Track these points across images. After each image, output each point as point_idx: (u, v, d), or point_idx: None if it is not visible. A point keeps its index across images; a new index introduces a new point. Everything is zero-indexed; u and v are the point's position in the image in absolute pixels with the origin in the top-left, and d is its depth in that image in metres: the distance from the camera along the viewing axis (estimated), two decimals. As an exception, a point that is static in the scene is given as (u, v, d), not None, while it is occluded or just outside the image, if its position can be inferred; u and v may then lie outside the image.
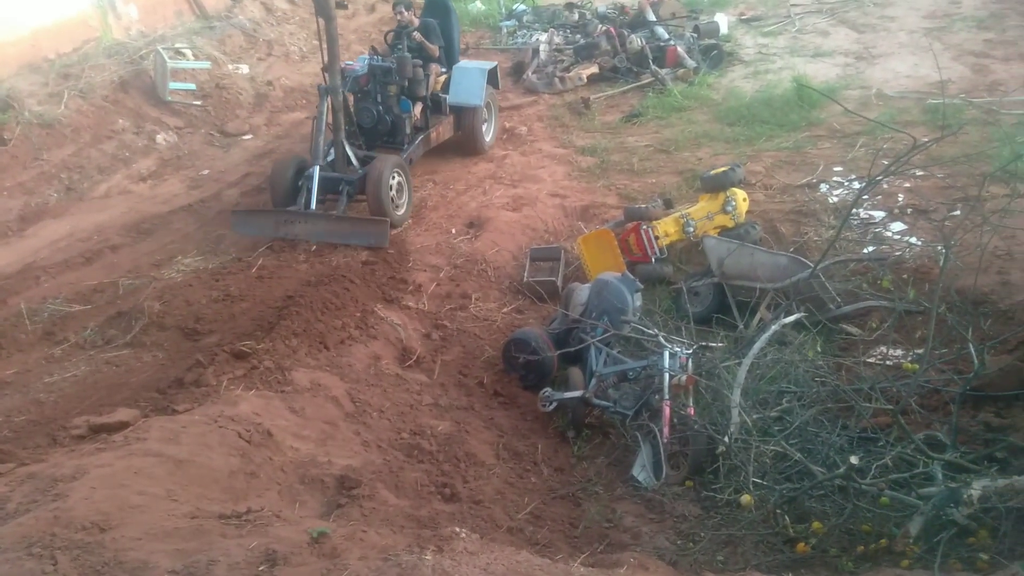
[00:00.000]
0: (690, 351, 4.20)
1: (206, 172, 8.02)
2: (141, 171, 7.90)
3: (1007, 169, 5.67)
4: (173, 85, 9.02)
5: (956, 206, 5.64)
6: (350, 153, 6.55)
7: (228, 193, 7.48)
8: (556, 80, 9.81)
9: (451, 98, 7.56)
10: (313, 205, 6.14)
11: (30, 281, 5.76)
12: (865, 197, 5.80)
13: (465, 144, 7.95)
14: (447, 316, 5.45)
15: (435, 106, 7.56)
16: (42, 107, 7.99)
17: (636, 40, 10.11)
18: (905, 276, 4.70)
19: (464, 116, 7.72)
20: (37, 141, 7.60)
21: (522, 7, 12.50)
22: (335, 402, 4.03)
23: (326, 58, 6.33)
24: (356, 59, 7.17)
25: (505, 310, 5.66)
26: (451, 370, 4.92)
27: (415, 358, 4.87)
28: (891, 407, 3.30)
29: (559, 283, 5.81)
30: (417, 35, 7.33)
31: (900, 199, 5.93)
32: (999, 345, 3.85)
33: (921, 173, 6.08)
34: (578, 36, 11.07)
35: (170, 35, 10.31)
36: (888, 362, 4.27)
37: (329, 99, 6.39)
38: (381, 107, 6.99)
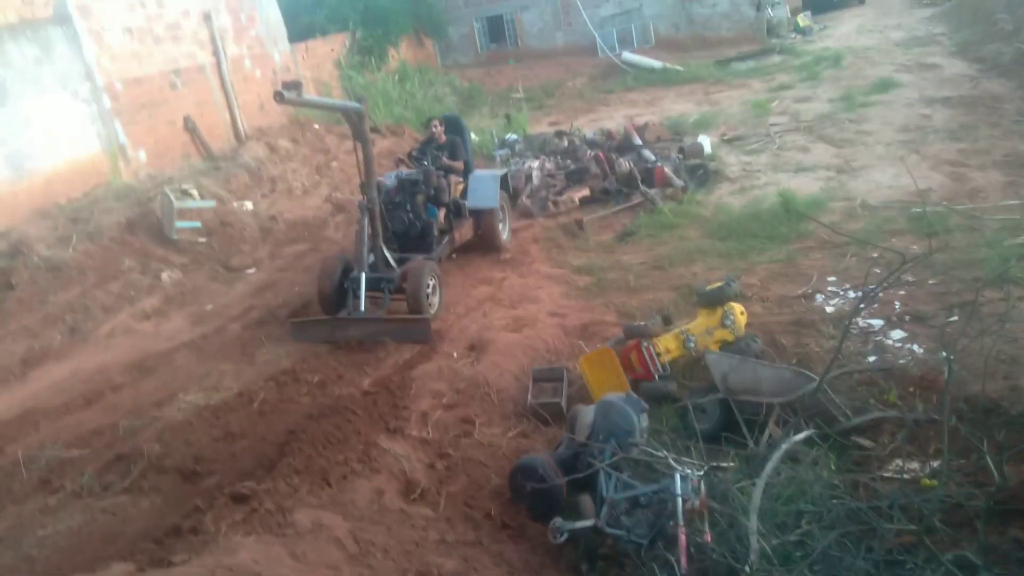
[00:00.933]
0: (701, 472, 4.10)
1: (209, 307, 8.13)
2: (145, 309, 8.00)
3: (1000, 273, 5.78)
4: (179, 224, 9.32)
5: (953, 312, 5.68)
6: (388, 256, 7.35)
7: (231, 327, 7.55)
8: (550, 204, 10.16)
9: (470, 202, 8.59)
10: (363, 307, 6.85)
11: (29, 427, 5.70)
12: (862, 306, 5.85)
13: (485, 242, 8.89)
14: (451, 444, 5.34)
15: (457, 210, 8.50)
16: (51, 251, 8.22)
17: (624, 163, 10.55)
18: (911, 389, 4.67)
19: (483, 217, 8.70)
20: (44, 284, 7.75)
21: (513, 136, 13.13)
22: (338, 543, 3.88)
23: (363, 175, 7.13)
24: (385, 175, 8.15)
25: (510, 435, 5.55)
26: (457, 502, 4.77)
27: (419, 491, 4.73)
28: (915, 527, 3.18)
29: (563, 404, 5.74)
30: (445, 159, 8.46)
31: (897, 307, 5.98)
32: (1018, 455, 3.76)
33: (914, 280, 6.16)
34: (568, 162, 11.57)
35: (178, 176, 10.77)
36: (905, 476, 4.15)
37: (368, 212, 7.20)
38: (411, 214, 7.86)
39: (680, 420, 5.41)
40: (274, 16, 15.01)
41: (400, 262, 7.42)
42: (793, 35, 22.69)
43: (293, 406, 5.59)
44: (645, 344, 5.82)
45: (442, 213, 8.18)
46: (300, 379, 6.09)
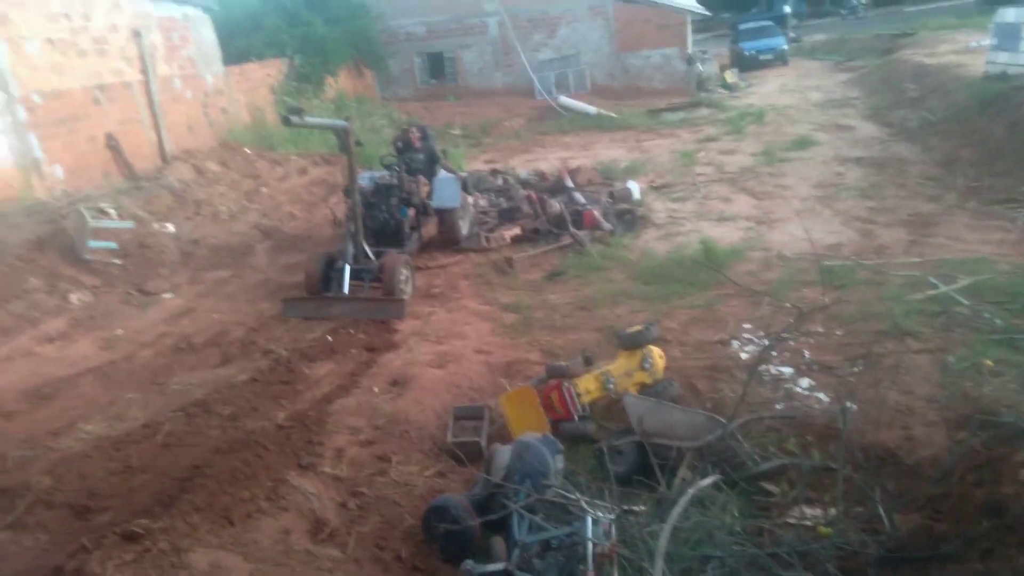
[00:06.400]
0: (613, 516, 4.12)
1: (120, 332, 7.78)
2: (49, 332, 7.59)
3: (900, 326, 6.10)
4: (93, 243, 8.93)
5: (857, 362, 5.94)
6: (367, 249, 8.46)
7: (142, 354, 7.24)
8: (482, 240, 10.21)
9: (435, 203, 9.80)
10: (346, 290, 8.01)
11: (-93, 457, 5.28)
12: (774, 353, 6.07)
13: (447, 237, 10.09)
14: (365, 482, 5.22)
15: (423, 209, 9.68)
16: (-53, 268, 7.73)
17: (556, 204, 10.73)
18: (809, 437, 4.83)
19: (446, 215, 9.91)
20: (-63, 302, 7.28)
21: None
22: (236, 587, 3.72)
23: (347, 182, 8.37)
24: (359, 176, 8.99)
25: (427, 474, 5.47)
26: (367, 542, 4.64)
27: (328, 531, 4.59)
28: (810, 574, 3.27)
29: (483, 443, 5.70)
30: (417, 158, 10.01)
31: (806, 355, 6.22)
32: (909, 504, 3.93)
33: (823, 330, 6.43)
34: (502, 200, 11.67)
35: (96, 195, 10.36)
36: (806, 522, 4.28)
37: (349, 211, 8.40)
38: (386, 214, 9.10)
39: (597, 461, 5.45)
40: (208, 37, 14.76)
41: (377, 255, 8.54)
42: (720, 90, 23.75)
43: (201, 439, 5.37)
44: (566, 384, 5.86)
45: (412, 212, 9.33)
46: (211, 411, 5.86)
